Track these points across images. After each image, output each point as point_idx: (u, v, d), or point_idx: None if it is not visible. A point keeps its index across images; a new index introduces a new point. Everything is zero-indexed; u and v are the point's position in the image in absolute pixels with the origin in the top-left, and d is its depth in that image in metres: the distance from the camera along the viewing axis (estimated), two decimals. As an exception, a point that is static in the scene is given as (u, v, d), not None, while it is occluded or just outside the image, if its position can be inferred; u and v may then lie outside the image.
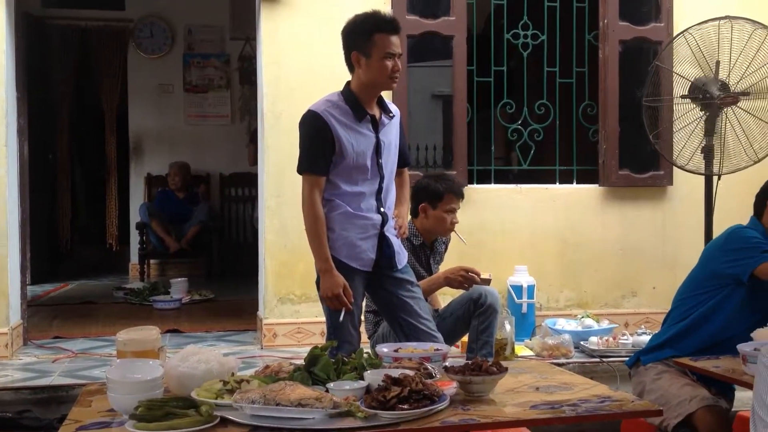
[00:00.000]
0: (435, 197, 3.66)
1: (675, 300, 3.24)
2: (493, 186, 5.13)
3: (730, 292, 3.03)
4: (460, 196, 3.71)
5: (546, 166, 5.31)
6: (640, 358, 3.22)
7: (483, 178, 5.14)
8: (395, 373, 2.15)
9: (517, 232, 5.02)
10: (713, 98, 4.09)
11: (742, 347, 2.58)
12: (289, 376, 2.24)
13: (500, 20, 5.13)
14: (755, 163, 4.15)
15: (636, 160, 5.09)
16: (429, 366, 2.39)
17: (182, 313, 6.09)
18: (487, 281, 3.61)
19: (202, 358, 2.25)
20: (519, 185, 5.13)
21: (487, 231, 4.92)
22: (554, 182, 5.19)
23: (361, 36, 3.03)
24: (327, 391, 2.13)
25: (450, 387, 2.23)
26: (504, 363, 2.37)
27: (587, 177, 5.22)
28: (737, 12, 4.41)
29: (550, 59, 5.15)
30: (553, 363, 4.09)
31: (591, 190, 5.16)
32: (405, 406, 2.00)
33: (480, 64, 5.08)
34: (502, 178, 5.37)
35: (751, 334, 2.82)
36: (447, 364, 2.41)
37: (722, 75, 4.09)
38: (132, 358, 2.41)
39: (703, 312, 3.07)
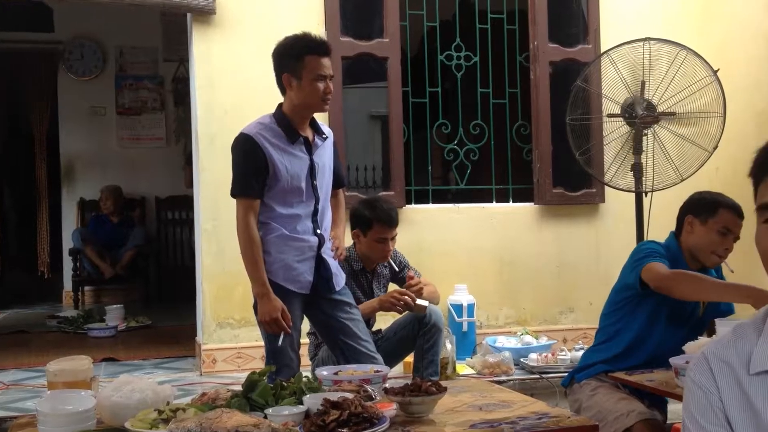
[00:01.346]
0: (365, 225, 3.66)
1: (600, 317, 3.30)
2: (431, 206, 5.17)
3: (636, 304, 3.06)
4: (390, 224, 3.66)
5: (482, 185, 5.38)
6: (574, 376, 3.26)
7: (421, 198, 5.17)
8: (334, 396, 2.14)
9: (456, 251, 5.06)
10: (636, 117, 4.19)
11: (674, 360, 2.63)
12: (226, 404, 2.20)
13: (433, 42, 5.20)
14: (681, 181, 4.25)
15: (569, 178, 5.19)
16: (369, 388, 2.38)
17: (118, 340, 5.95)
18: (422, 308, 3.62)
19: (136, 387, 2.20)
20: (457, 205, 5.18)
21: (426, 251, 4.95)
22: (491, 201, 5.26)
23: (292, 58, 3.03)
24: (265, 417, 2.10)
25: (390, 408, 2.22)
26: (445, 382, 2.38)
27: (523, 195, 5.30)
28: (663, 32, 4.56)
29: (483, 80, 5.23)
30: (494, 381, 4.13)
31: (527, 208, 5.24)
32: (344, 430, 1.98)
33: (415, 85, 5.13)
34: (440, 197, 5.41)
35: (683, 347, 2.88)
36: (387, 385, 2.41)
37: (649, 95, 4.21)
38: (63, 389, 2.34)
39: (620, 326, 3.12)
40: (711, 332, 3.11)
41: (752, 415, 1.42)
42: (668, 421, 3.17)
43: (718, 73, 4.19)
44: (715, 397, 1.46)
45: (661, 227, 4.37)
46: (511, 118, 5.30)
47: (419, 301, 3.60)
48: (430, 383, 2.29)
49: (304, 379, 2.42)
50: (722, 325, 2.81)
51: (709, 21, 5.38)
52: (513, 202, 5.28)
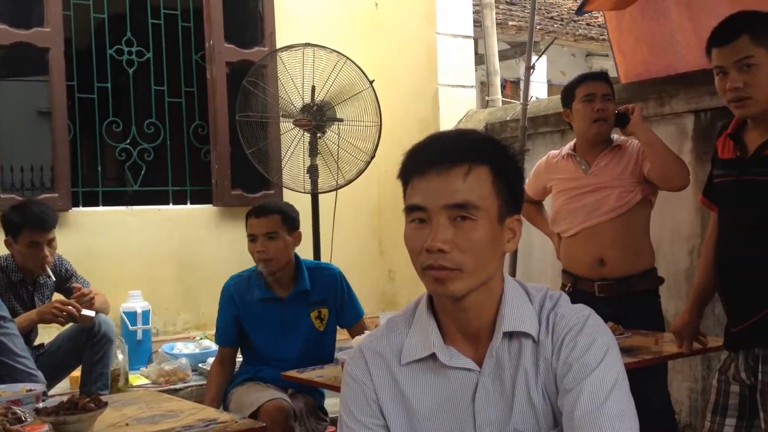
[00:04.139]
0: (15, 230, 3.36)
1: None
2: (101, 208, 4.86)
3: None
4: (42, 227, 3.39)
5: (159, 187, 5.18)
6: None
7: (92, 201, 4.84)
8: (-28, 424, 1.89)
9: (130, 255, 4.81)
10: (308, 121, 4.27)
11: (340, 355, 2.71)
12: None
13: (102, 35, 4.90)
14: (346, 184, 4.38)
15: (248, 179, 5.18)
16: (18, 410, 2.14)
17: None
18: (89, 319, 3.39)
19: None
20: (130, 207, 4.93)
21: (96, 256, 4.64)
22: (168, 203, 5.08)
23: None
24: None
25: (41, 430, 2.02)
26: (116, 395, 2.23)
27: (201, 197, 5.19)
28: (334, 40, 4.73)
29: (157, 77, 5.04)
30: (170, 389, 4.00)
31: (205, 210, 5.14)
32: (-18, 461, 1.76)
33: (83, 80, 4.79)
34: (117, 200, 5.12)
35: (351, 342, 2.99)
36: (40, 405, 2.19)
37: (319, 99, 4.31)
38: None
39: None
40: None
41: (403, 403, 1.49)
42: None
43: (380, 83, 4.40)
44: (370, 389, 1.51)
45: (346, 227, 4.54)
46: (188, 118, 5.17)
47: (85, 312, 3.35)
48: (88, 399, 2.13)
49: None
50: (383, 319, 2.96)
51: (376, 31, 5.70)
52: (191, 204, 5.15)
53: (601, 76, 3.40)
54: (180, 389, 4.10)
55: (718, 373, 2.43)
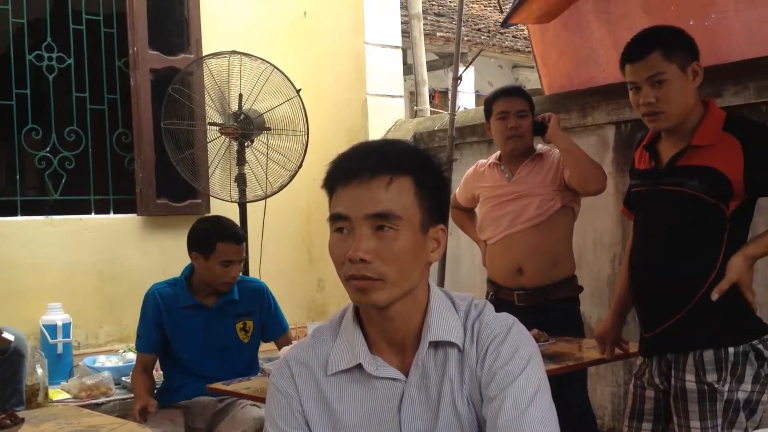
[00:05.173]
0: None
1: None
2: (20, 218, 4.70)
3: None
4: None
5: (80, 196, 5.04)
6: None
7: (10, 211, 4.68)
8: None
9: (50, 267, 4.66)
10: (235, 129, 4.22)
11: (267, 366, 2.69)
12: None
13: (22, 41, 4.76)
14: (275, 193, 4.34)
15: (174, 188, 5.08)
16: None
17: None
18: (7, 341, 3.28)
19: None
20: (51, 217, 4.78)
21: (14, 268, 4.49)
22: (90, 212, 4.95)
23: None
24: None
25: (-48, 451, 1.94)
26: (35, 411, 2.15)
27: (125, 206, 5.07)
28: (262, 48, 4.69)
29: (79, 84, 4.91)
30: (92, 404, 3.89)
31: (129, 219, 5.03)
32: None
33: (1, 86, 4.64)
34: (36, 209, 4.96)
35: (280, 352, 2.96)
36: (-49, 424, 2.10)
37: (246, 107, 4.27)
38: None
39: None
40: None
41: (329, 414, 1.48)
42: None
43: (308, 92, 4.39)
44: (295, 401, 1.49)
45: (276, 238, 4.47)
46: (111, 126, 5.04)
47: (6, 335, 3.25)
48: (3, 416, 2.05)
49: None
50: (311, 329, 2.95)
51: (305, 40, 5.68)
52: (114, 213, 5.02)
53: (516, 92, 3.46)
54: (102, 404, 4.00)
55: (634, 379, 2.49)
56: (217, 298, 3.23)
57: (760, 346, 2.27)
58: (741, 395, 2.24)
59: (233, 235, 3.19)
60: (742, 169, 2.23)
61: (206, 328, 3.20)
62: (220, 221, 3.30)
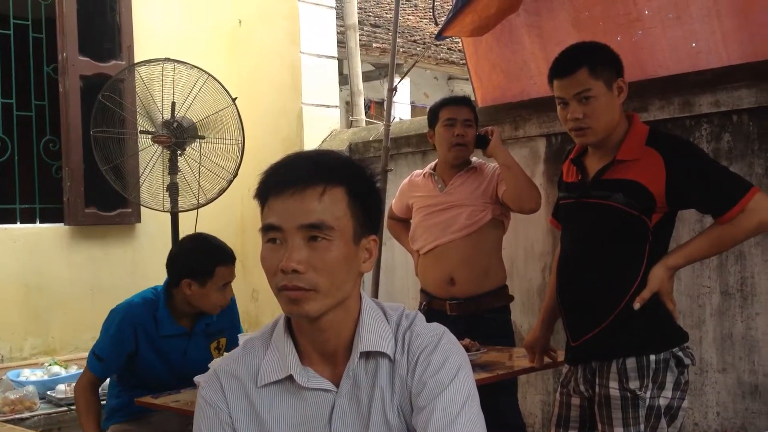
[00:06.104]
0: None
1: None
2: (-59, 228, 4.55)
3: None
4: None
5: (5, 205, 4.89)
6: None
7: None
8: None
9: (-28, 278, 4.52)
10: (167, 137, 4.15)
11: (198, 378, 2.65)
12: None
13: (-55, 44, 4.62)
14: (208, 203, 4.28)
15: (104, 197, 4.96)
16: None
17: None
18: None
19: None
20: (-27, 227, 4.64)
21: (-66, 279, 4.34)
22: (15, 222, 4.81)
23: None
24: None
25: None
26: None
27: (52, 216, 4.95)
28: (196, 56, 4.64)
29: (5, 90, 4.77)
30: (16, 418, 3.78)
31: (56, 229, 4.90)
32: None
33: None
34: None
35: (210, 365, 2.90)
36: None
37: (180, 116, 4.20)
38: None
39: None
40: None
41: (260, 426, 1.47)
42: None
43: (243, 101, 4.34)
44: (224, 413, 1.48)
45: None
46: (38, 132, 4.91)
47: None
48: None
49: None
50: (242, 340, 2.91)
51: (240, 48, 5.65)
52: (41, 222, 4.89)
53: (464, 101, 3.51)
54: (26, 418, 3.87)
55: (560, 386, 2.55)
56: (196, 319, 3.05)
57: (681, 354, 2.34)
58: (662, 401, 2.30)
59: (231, 255, 2.98)
60: (665, 183, 2.30)
61: (185, 353, 3.03)
62: (210, 241, 3.02)
